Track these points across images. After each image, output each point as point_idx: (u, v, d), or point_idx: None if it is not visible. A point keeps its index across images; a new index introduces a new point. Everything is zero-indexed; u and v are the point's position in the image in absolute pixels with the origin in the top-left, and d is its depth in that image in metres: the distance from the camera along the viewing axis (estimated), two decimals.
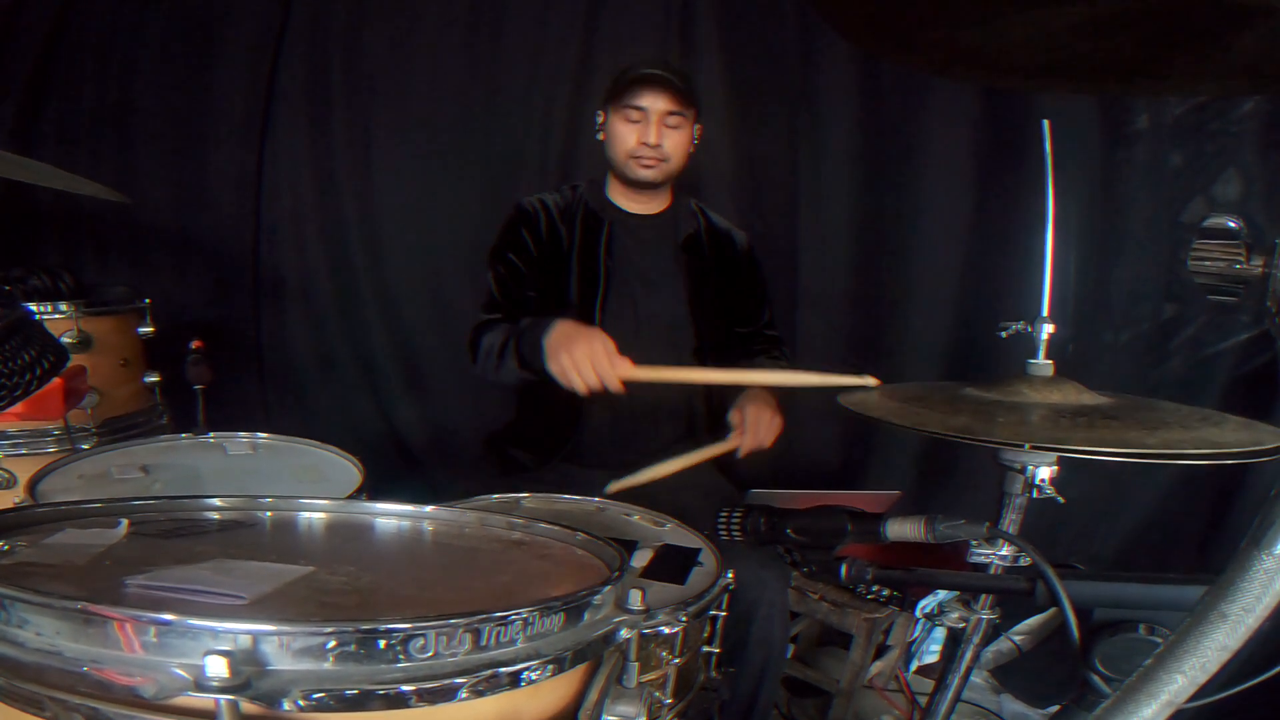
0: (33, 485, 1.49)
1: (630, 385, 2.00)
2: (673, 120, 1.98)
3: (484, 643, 0.74)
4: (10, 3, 2.93)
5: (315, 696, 0.66)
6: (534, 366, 1.77)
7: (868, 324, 2.96)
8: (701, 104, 2.07)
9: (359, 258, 3.13)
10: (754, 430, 1.88)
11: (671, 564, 1.39)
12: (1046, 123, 1.30)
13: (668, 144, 1.98)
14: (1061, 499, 1.16)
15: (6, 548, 0.90)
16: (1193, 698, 0.68)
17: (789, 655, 2.18)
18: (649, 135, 1.96)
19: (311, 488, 1.63)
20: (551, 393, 2.01)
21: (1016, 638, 2.49)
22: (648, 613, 0.89)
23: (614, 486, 1.77)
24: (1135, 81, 0.83)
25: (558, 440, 2.03)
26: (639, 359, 2.01)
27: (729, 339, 2.17)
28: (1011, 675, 2.52)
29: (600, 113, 2.07)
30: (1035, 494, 1.17)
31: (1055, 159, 1.29)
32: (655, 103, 1.96)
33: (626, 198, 2.09)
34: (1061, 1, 0.62)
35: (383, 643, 0.70)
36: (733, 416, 1.92)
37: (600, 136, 2.07)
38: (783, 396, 2.18)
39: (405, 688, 0.69)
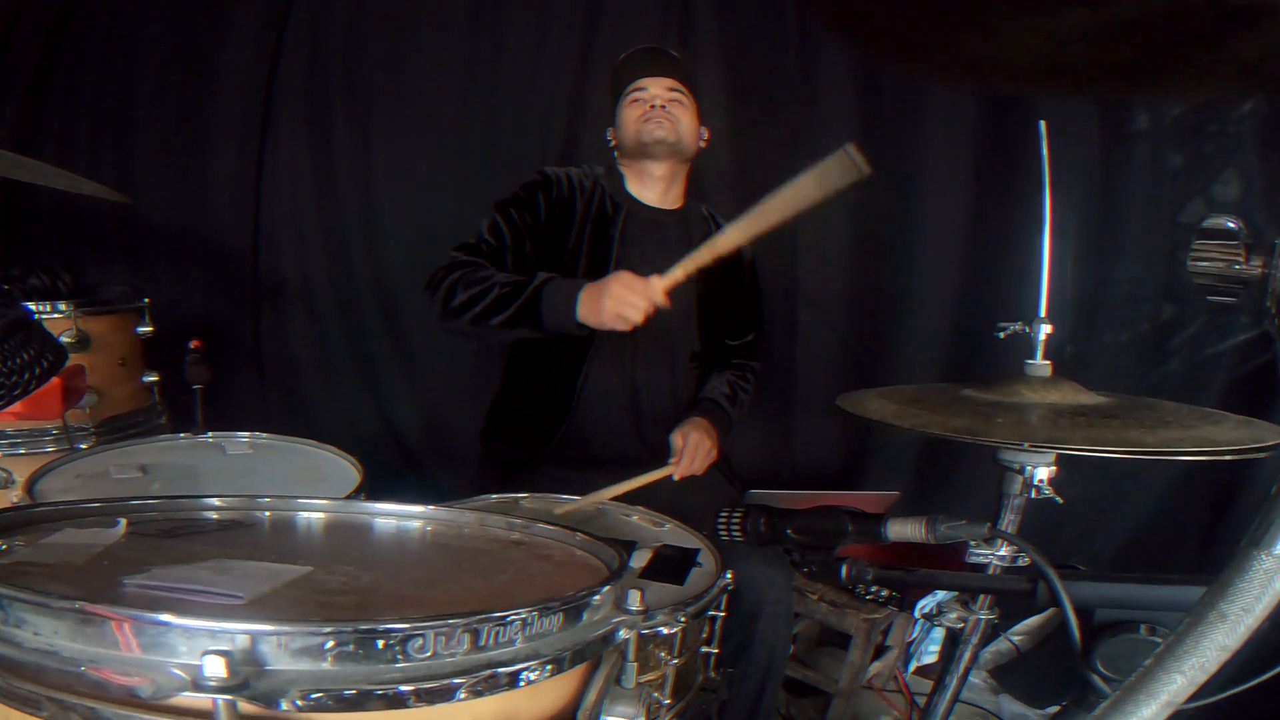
0: (31, 485, 1.49)
1: (622, 387, 2.01)
2: (674, 96, 2.01)
3: (483, 643, 0.74)
4: (12, 4, 2.93)
5: (313, 696, 0.66)
6: (551, 324, 1.76)
7: (866, 324, 2.96)
8: (701, 98, 2.08)
9: (358, 257, 3.13)
10: (691, 456, 1.91)
11: (670, 564, 1.39)
12: (1043, 124, 1.30)
13: (674, 110, 2.00)
14: (1060, 499, 1.16)
15: (5, 547, 0.90)
16: (1192, 698, 0.68)
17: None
18: (654, 102, 2.00)
19: (310, 488, 1.62)
20: (545, 391, 2.01)
21: (1015, 638, 2.50)
22: (646, 613, 0.89)
23: (561, 509, 1.68)
24: (1137, 85, 0.83)
25: (546, 434, 2.02)
26: (640, 358, 2.02)
27: (721, 349, 2.17)
28: (1010, 675, 2.52)
29: (610, 130, 2.09)
30: (1034, 494, 1.17)
31: (1054, 160, 1.29)
32: (656, 83, 2.01)
33: (641, 186, 2.08)
34: (1064, 6, 0.62)
35: (381, 643, 0.70)
36: (675, 439, 1.95)
37: (612, 142, 2.09)
38: (782, 388, 2.16)
39: (404, 688, 0.69)
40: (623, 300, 1.66)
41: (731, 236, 1.62)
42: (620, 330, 1.70)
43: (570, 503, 1.70)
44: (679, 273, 1.66)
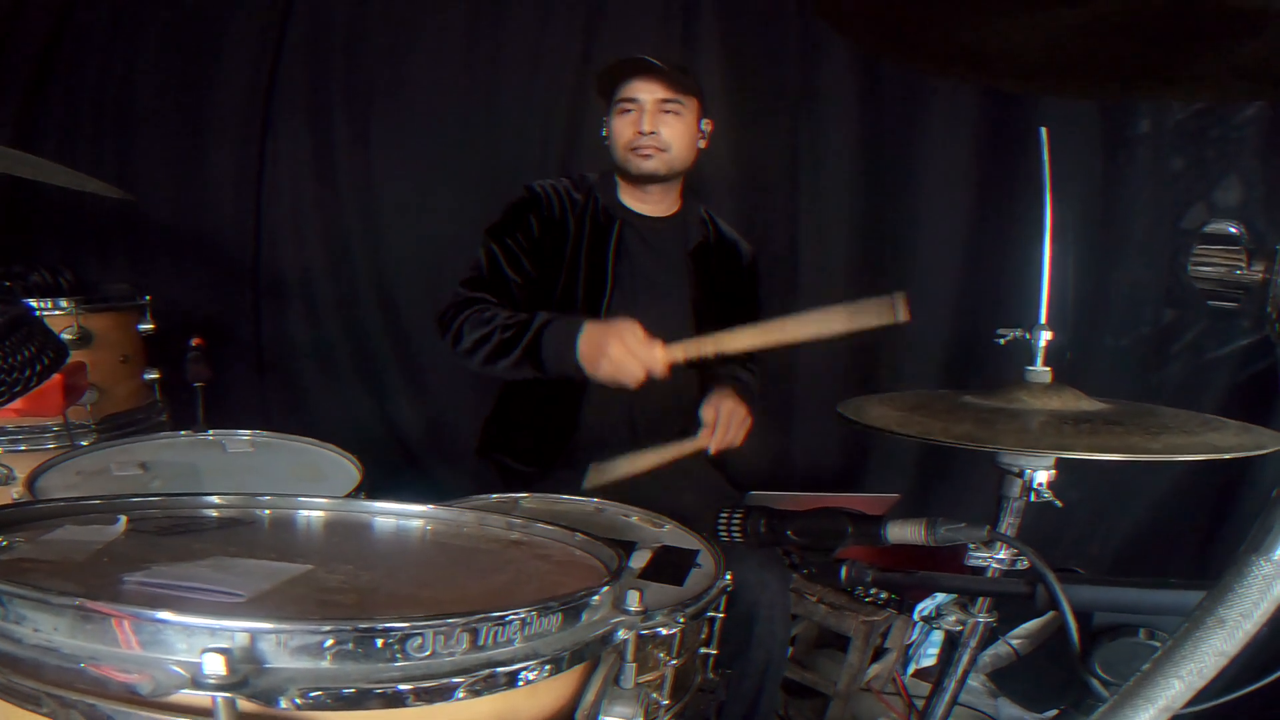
0: (32, 481, 1.49)
1: (618, 396, 1.99)
2: (669, 107, 1.93)
3: (481, 642, 0.74)
4: (13, 1, 2.94)
5: (312, 695, 0.66)
6: (555, 369, 1.75)
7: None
8: (704, 96, 2.03)
9: (359, 255, 3.13)
10: (725, 427, 1.87)
11: (670, 565, 1.39)
12: (1044, 131, 1.30)
13: (665, 132, 1.93)
14: (1059, 503, 1.16)
15: (5, 544, 0.90)
16: (1190, 703, 0.68)
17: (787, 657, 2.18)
18: (643, 124, 1.92)
19: (310, 486, 1.62)
20: (545, 402, 2.00)
21: (1014, 641, 2.49)
22: (645, 614, 0.89)
23: (592, 480, 1.71)
24: (1136, 85, 0.83)
25: (554, 449, 2.01)
26: None
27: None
28: (1009, 679, 2.52)
29: (604, 121, 2.05)
30: (1033, 498, 1.17)
31: (1055, 164, 1.29)
32: (646, 91, 1.93)
33: (635, 198, 2.04)
34: (1061, 4, 0.62)
35: (380, 642, 0.70)
36: (705, 413, 1.90)
37: (607, 143, 2.03)
38: (782, 390, 2.12)
39: (403, 687, 0.69)
40: (621, 366, 1.64)
41: (745, 339, 1.63)
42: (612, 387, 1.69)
43: (597, 473, 1.69)
44: (681, 353, 1.66)
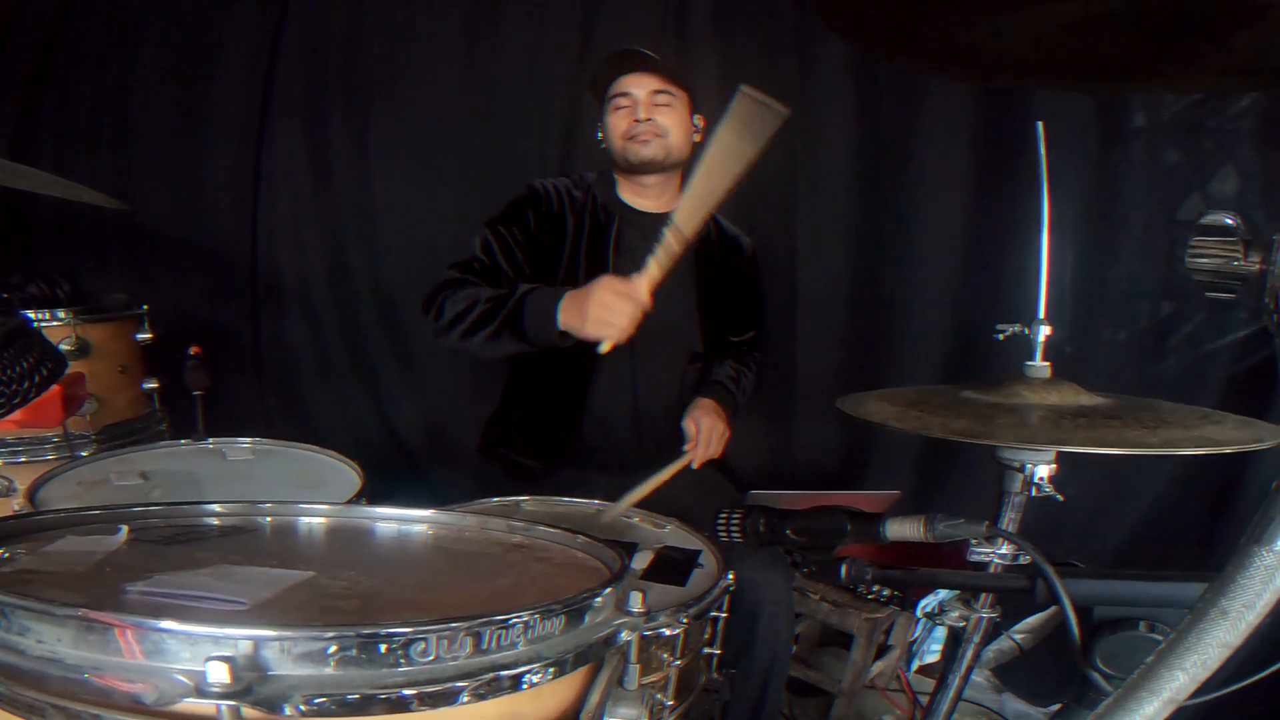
0: (32, 492, 1.49)
1: (623, 392, 2.00)
2: (661, 99, 1.95)
3: (485, 646, 0.74)
4: (9, 7, 2.93)
5: (317, 701, 0.66)
6: (536, 337, 1.74)
7: (864, 324, 2.96)
8: (695, 90, 2.04)
9: (357, 261, 3.13)
10: (707, 441, 1.92)
11: (672, 566, 1.39)
12: (1040, 125, 1.30)
13: (661, 119, 1.94)
14: (1060, 497, 1.16)
15: (7, 555, 0.90)
16: (1194, 694, 0.69)
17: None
18: (639, 113, 1.94)
19: (311, 493, 1.62)
20: (551, 392, 2.01)
21: (1017, 636, 2.49)
22: (648, 615, 0.89)
23: (608, 515, 1.65)
24: (1132, 79, 0.83)
25: (559, 442, 2.02)
26: (641, 359, 2.01)
27: (723, 346, 2.17)
28: (1013, 674, 2.52)
29: (599, 124, 2.05)
30: (1034, 492, 1.17)
31: (1051, 158, 1.29)
32: (638, 85, 1.94)
33: (634, 194, 2.05)
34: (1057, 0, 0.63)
35: (384, 647, 0.70)
36: (687, 425, 1.95)
37: (603, 145, 2.04)
38: (782, 388, 2.10)
39: (407, 692, 0.69)
40: (608, 306, 1.61)
41: (687, 215, 1.60)
42: (608, 340, 1.64)
43: (605, 510, 1.66)
44: (654, 269, 1.62)
